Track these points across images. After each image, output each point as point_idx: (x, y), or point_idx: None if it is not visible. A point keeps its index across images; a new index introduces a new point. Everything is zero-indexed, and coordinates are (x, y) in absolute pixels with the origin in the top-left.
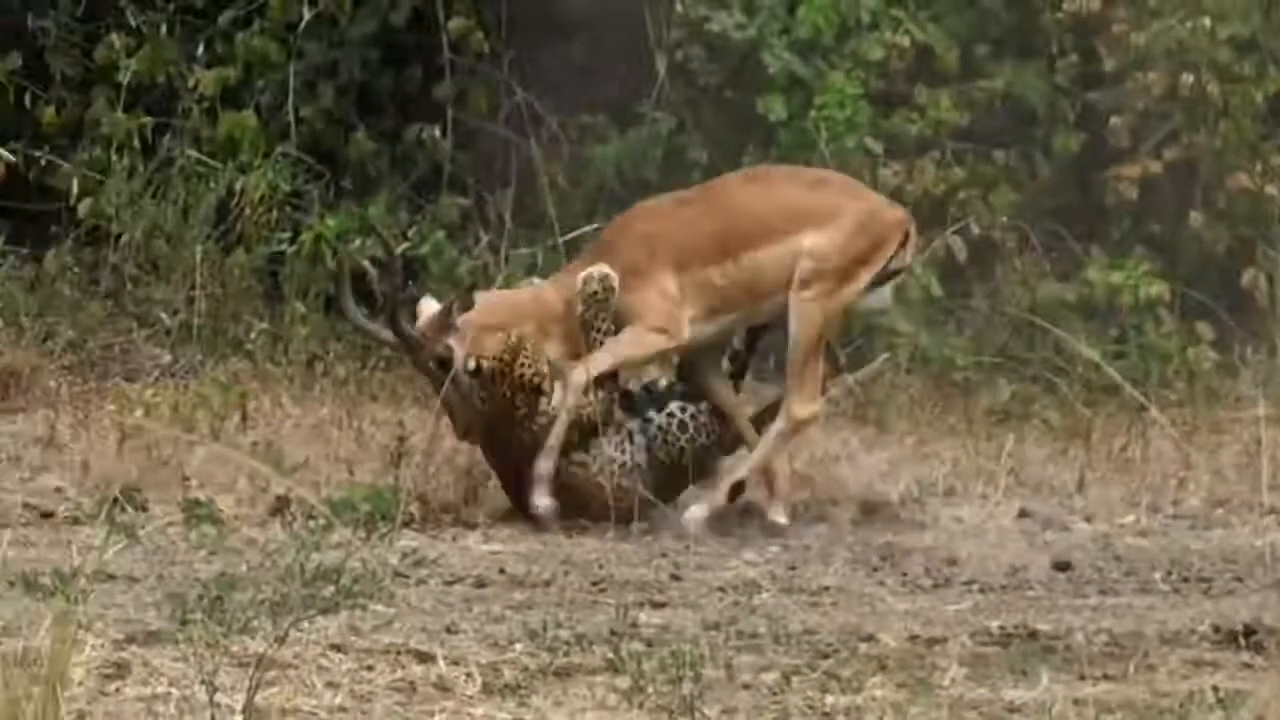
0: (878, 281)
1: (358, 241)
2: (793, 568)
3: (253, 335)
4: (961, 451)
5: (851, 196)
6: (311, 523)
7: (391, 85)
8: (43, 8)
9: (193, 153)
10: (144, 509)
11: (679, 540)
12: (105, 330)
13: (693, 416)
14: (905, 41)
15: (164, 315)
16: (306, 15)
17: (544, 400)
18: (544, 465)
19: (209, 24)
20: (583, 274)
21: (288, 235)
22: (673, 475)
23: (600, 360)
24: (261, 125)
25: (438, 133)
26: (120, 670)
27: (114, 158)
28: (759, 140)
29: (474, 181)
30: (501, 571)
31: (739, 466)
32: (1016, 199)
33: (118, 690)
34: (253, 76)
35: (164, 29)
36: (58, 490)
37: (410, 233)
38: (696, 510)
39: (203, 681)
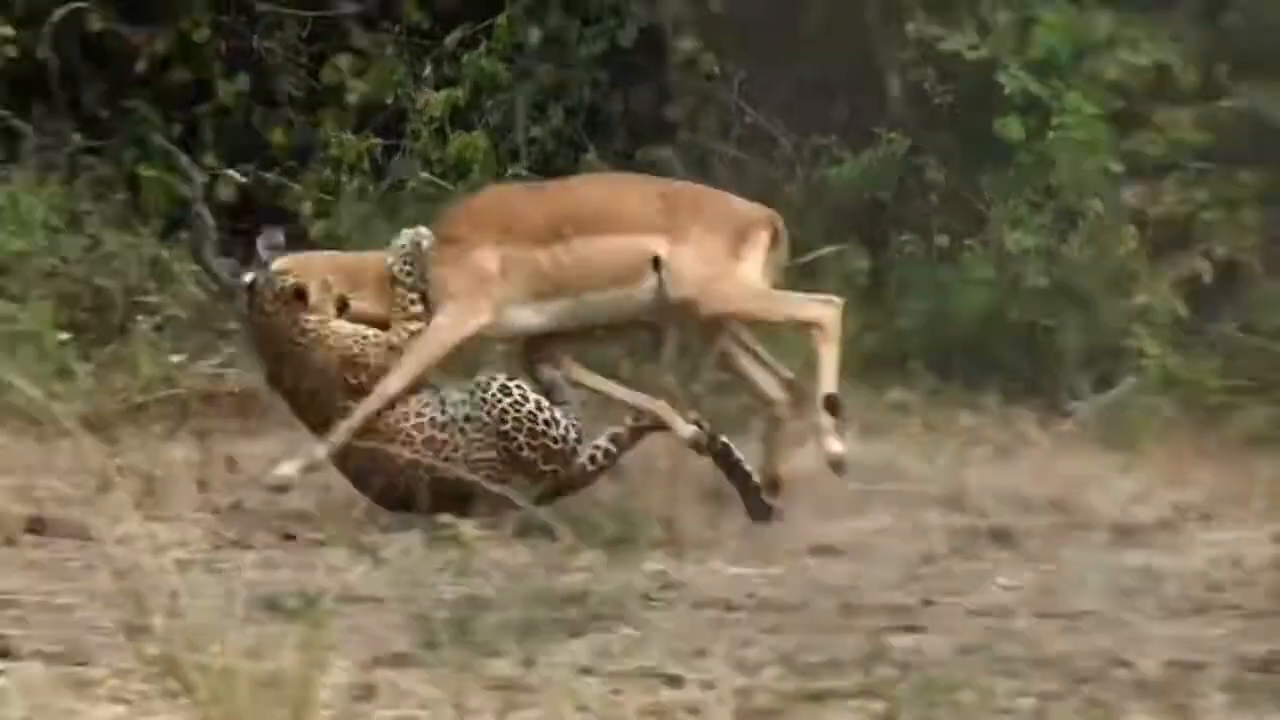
0: None
1: None
2: (1048, 592)
3: None
4: (1215, 475)
5: (697, 210)
6: (557, 544)
7: (621, 106)
8: (269, 29)
9: (424, 174)
10: (384, 530)
11: None
12: None
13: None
14: (1143, 61)
15: None
16: (535, 36)
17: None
18: (333, 439)
19: (436, 45)
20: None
21: None
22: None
23: (405, 371)
24: (491, 146)
25: (669, 154)
26: (368, 693)
27: (344, 179)
28: (996, 161)
29: None
30: (750, 595)
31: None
32: (1263, 219)
33: (366, 713)
34: (481, 98)
35: (390, 50)
36: (301, 512)
37: None
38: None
39: (452, 705)
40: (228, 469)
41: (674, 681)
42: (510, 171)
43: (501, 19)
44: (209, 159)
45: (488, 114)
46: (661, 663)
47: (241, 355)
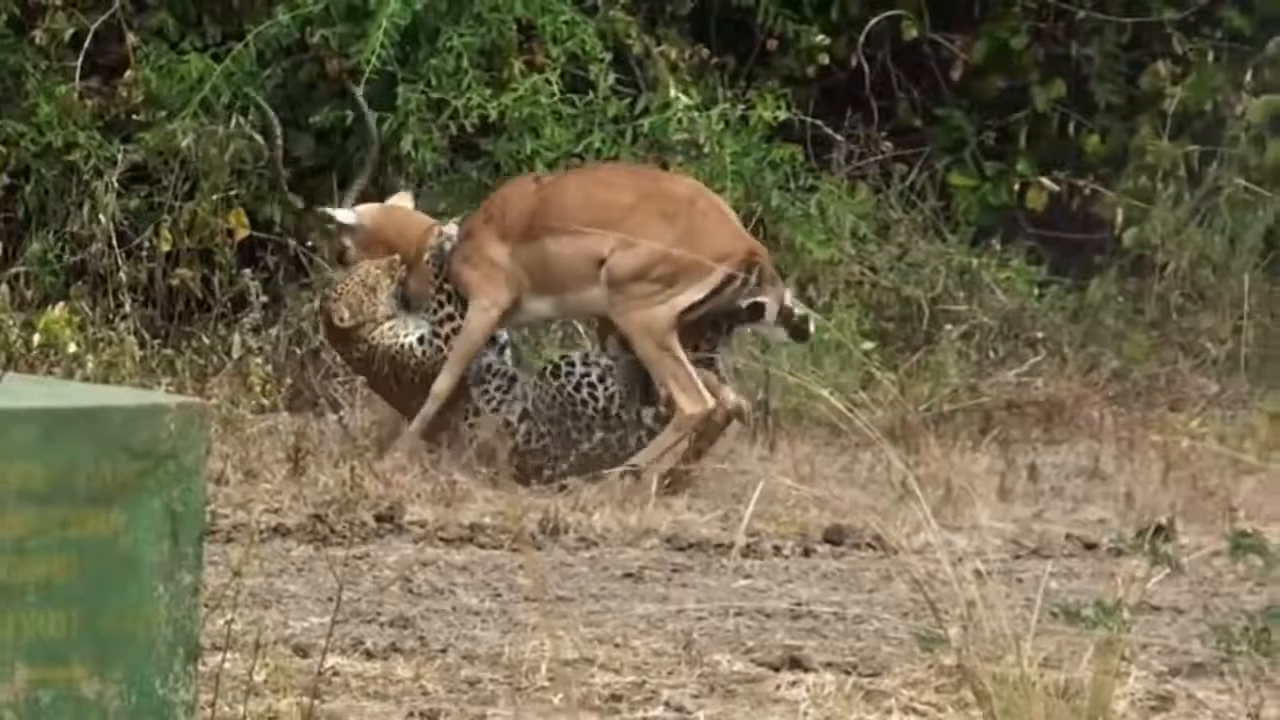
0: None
1: None
2: None
3: None
4: None
5: (670, 217)
6: None
7: None
8: (1087, 36)
9: (1240, 181)
10: (1170, 539)
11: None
12: (1150, 360)
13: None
14: None
15: (1210, 345)
16: None
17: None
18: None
19: (1256, 51)
20: (443, 230)
21: None
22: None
23: (453, 366)
24: None
25: None
26: (1163, 703)
27: (1158, 186)
28: None
29: None
30: None
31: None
32: None
33: None
34: None
35: (1211, 56)
36: (1101, 521)
37: None
38: None
39: (1248, 715)
40: (1029, 478)
41: None
42: None
43: None
44: (1021, 166)
45: None
46: None
47: (1047, 364)
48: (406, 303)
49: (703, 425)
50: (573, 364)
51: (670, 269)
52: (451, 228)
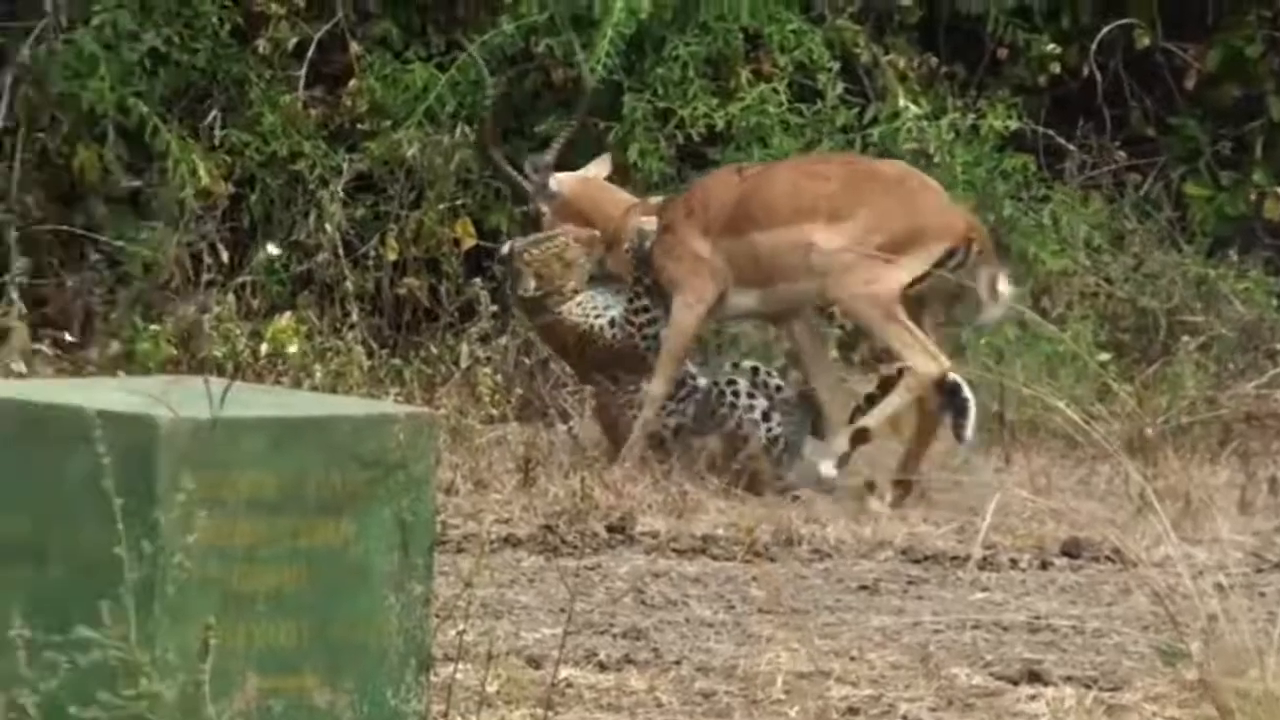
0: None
1: None
2: None
3: None
4: None
5: (884, 194)
6: None
7: None
8: None
9: None
10: None
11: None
12: None
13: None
14: None
15: None
16: None
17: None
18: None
19: None
20: (642, 221)
21: None
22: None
23: (666, 368)
24: None
25: None
26: None
27: None
28: None
29: None
30: None
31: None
32: None
33: None
34: None
35: None
36: None
37: None
38: (825, 466)
39: None
40: (1270, 491)
41: None
42: None
43: None
44: (1257, 176)
45: None
46: None
47: None
48: (599, 279)
49: (935, 387)
50: (738, 393)
51: (889, 241)
52: (649, 220)
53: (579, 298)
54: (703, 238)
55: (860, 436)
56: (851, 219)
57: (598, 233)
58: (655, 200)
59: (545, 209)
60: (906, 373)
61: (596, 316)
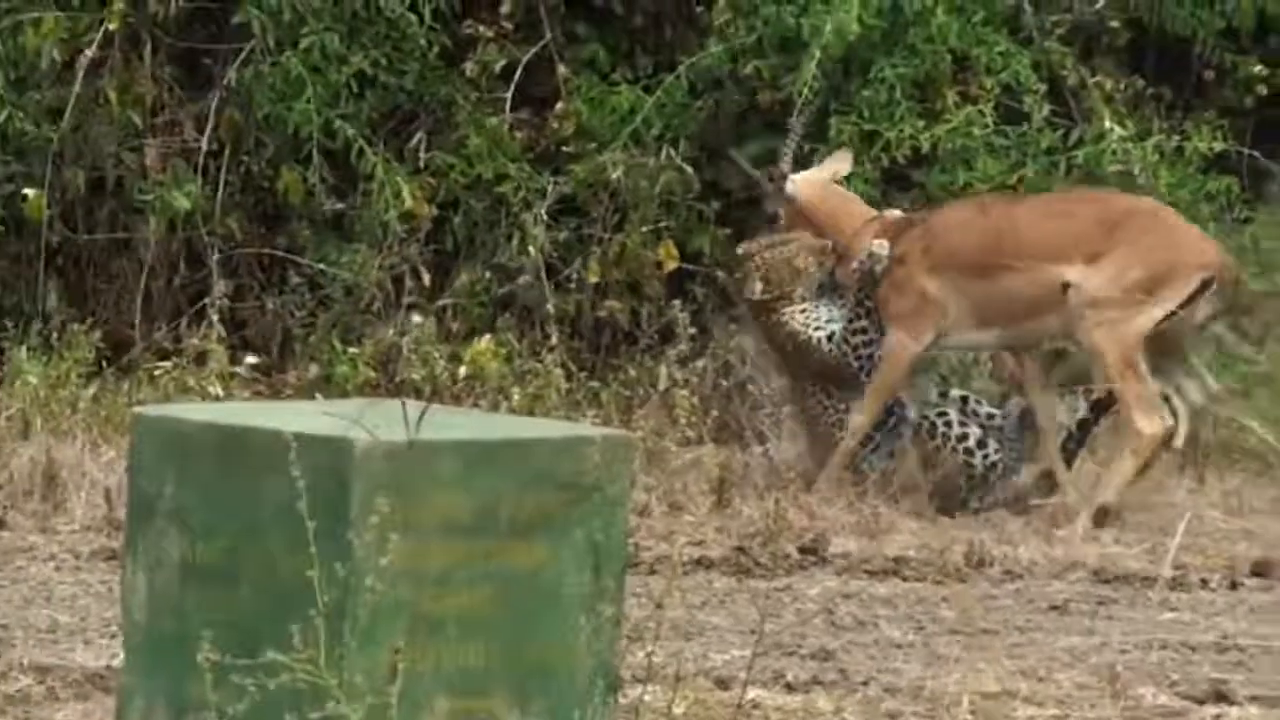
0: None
1: None
2: None
3: None
4: None
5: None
6: None
7: None
8: None
9: None
10: None
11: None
12: None
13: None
14: None
15: None
16: None
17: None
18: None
19: None
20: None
21: None
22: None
23: (873, 402)
24: None
25: None
26: None
27: None
28: None
29: None
30: None
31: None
32: None
33: None
34: None
35: None
36: None
37: None
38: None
39: None
40: None
41: None
42: None
43: None
44: None
45: None
46: None
47: None
48: (828, 290)
49: (1160, 448)
50: (950, 423)
51: (1147, 276)
52: (881, 244)
53: (804, 305)
54: (934, 276)
55: (1102, 516)
56: (1109, 257)
57: (830, 243)
58: (893, 215)
59: (782, 211)
60: (1131, 433)
61: (817, 329)
